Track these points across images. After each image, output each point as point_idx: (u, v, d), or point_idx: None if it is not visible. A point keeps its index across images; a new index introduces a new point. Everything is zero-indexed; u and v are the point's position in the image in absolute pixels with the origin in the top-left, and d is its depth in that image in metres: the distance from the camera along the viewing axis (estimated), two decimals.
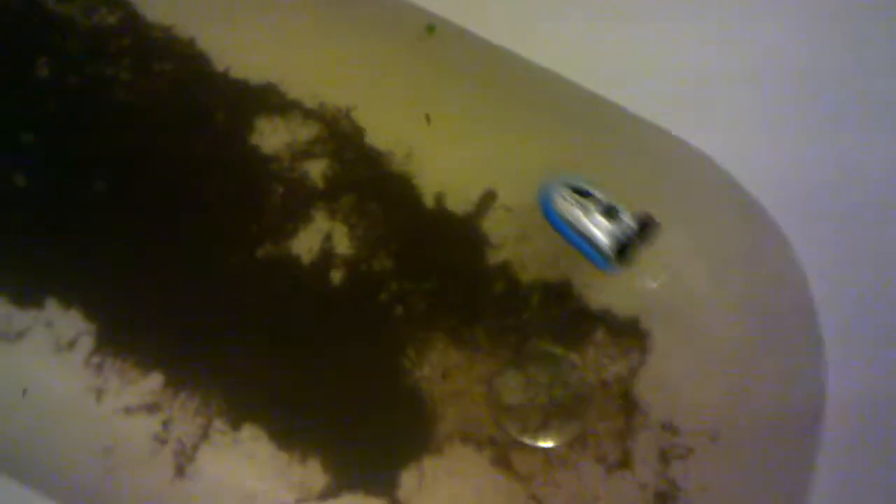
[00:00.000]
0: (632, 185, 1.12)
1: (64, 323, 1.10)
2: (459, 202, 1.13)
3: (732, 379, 1.10)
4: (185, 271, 1.12)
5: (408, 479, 1.08)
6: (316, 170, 1.13)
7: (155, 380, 1.09)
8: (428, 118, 1.14)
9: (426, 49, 1.15)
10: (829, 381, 1.06)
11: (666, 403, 1.10)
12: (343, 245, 1.12)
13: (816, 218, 1.09)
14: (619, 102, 1.11)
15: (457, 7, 1.13)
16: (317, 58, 1.16)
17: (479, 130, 1.15)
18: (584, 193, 1.07)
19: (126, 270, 1.11)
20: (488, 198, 1.13)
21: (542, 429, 1.09)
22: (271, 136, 1.14)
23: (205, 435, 1.08)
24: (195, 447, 1.08)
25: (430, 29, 1.15)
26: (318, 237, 1.12)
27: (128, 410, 1.08)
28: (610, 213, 1.06)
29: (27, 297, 1.10)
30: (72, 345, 1.09)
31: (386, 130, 1.14)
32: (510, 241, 1.12)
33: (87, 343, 1.10)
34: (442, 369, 1.10)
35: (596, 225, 1.06)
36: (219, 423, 1.08)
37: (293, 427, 1.09)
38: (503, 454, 1.09)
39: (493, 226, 1.13)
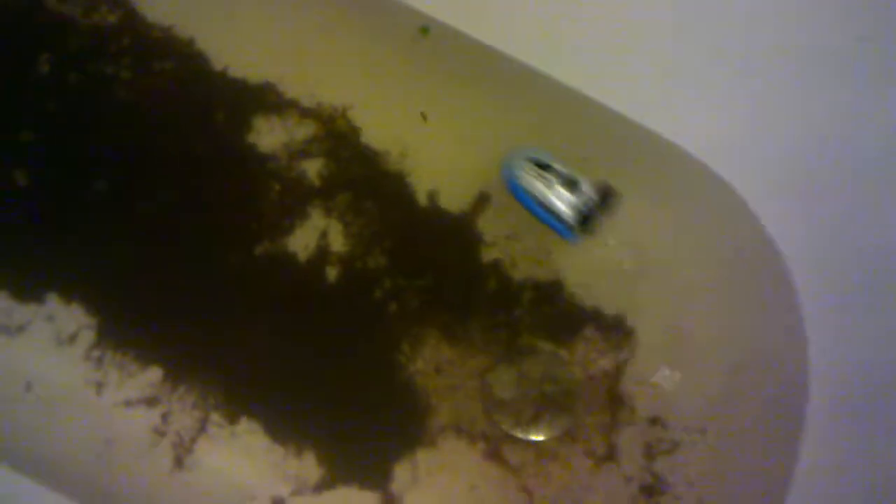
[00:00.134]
0: (629, 186, 1.13)
1: (65, 317, 1.11)
2: (453, 201, 1.14)
3: (717, 375, 1.11)
4: (184, 267, 1.13)
5: (401, 472, 1.09)
6: (312, 168, 1.14)
7: (154, 373, 1.10)
8: (424, 116, 1.15)
9: (420, 50, 1.16)
10: (812, 375, 1.08)
11: (652, 400, 1.11)
12: (339, 242, 1.13)
13: (799, 213, 1.11)
14: (605, 102, 1.13)
15: (450, 9, 1.14)
16: (314, 58, 1.17)
17: (472, 130, 1.15)
18: (544, 166, 1.09)
19: (126, 266, 1.12)
20: (481, 197, 1.14)
21: (532, 423, 1.10)
22: (269, 134, 1.15)
23: (203, 428, 1.09)
24: (193, 440, 1.09)
25: (424, 30, 1.16)
26: (315, 234, 1.13)
27: (127, 403, 1.09)
28: (571, 184, 1.08)
29: (28, 291, 1.11)
30: (72, 339, 1.10)
31: (381, 130, 1.15)
32: (502, 240, 1.13)
33: (87, 337, 1.10)
34: (435, 364, 1.11)
35: (558, 197, 1.08)
36: (216, 417, 1.09)
37: (289, 420, 1.10)
38: (495, 447, 1.10)
39: (486, 224, 1.14)
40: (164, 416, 1.09)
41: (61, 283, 1.11)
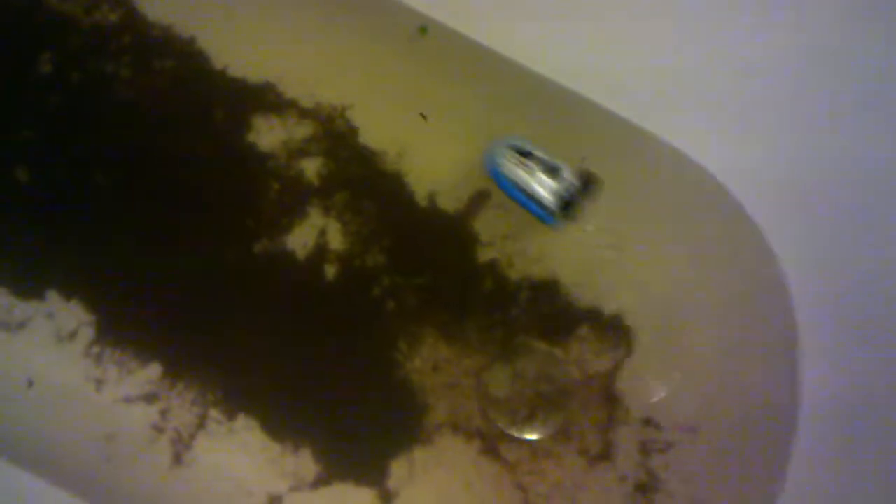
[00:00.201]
0: (624, 186, 1.14)
1: (64, 314, 1.11)
2: (451, 200, 1.14)
3: (711, 375, 1.12)
4: (183, 265, 1.13)
5: (398, 469, 1.10)
6: (311, 167, 1.15)
7: (153, 370, 1.11)
8: (424, 116, 1.16)
9: (419, 50, 1.17)
10: (804, 376, 1.08)
11: (647, 399, 1.12)
12: (337, 241, 1.13)
13: (795, 216, 1.11)
14: (607, 105, 1.13)
15: (448, 9, 1.14)
16: (313, 58, 1.17)
17: (469, 130, 1.16)
18: (526, 154, 1.10)
19: (126, 263, 1.13)
20: (479, 196, 1.15)
21: (528, 421, 1.11)
22: (268, 133, 1.15)
23: (201, 424, 1.10)
24: (192, 436, 1.10)
25: (423, 30, 1.16)
26: (313, 233, 1.13)
27: (127, 400, 1.10)
28: (552, 171, 1.09)
29: (29, 288, 1.12)
30: (72, 335, 1.11)
31: (379, 130, 1.16)
32: (499, 240, 1.14)
33: (87, 334, 1.11)
34: (432, 363, 1.12)
35: (540, 184, 1.09)
36: (215, 413, 1.10)
37: (286, 418, 1.10)
38: (491, 445, 1.10)
39: (484, 224, 1.14)
40: (163, 413, 1.10)
41: (61, 281, 1.12)
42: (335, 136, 1.16)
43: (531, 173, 1.09)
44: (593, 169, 1.11)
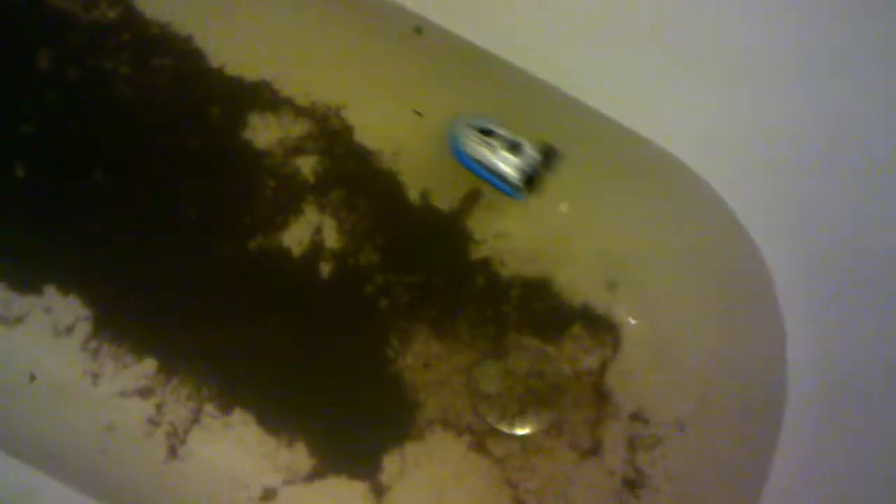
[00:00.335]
0: (618, 194, 1.17)
1: (62, 309, 1.12)
2: (444, 199, 1.15)
3: (699, 374, 1.13)
4: (179, 261, 1.14)
5: (390, 463, 1.11)
6: (307, 165, 1.16)
7: (149, 365, 1.11)
8: (419, 113, 1.16)
9: (414, 50, 1.18)
10: (791, 372, 1.10)
11: (635, 395, 1.13)
12: (332, 238, 1.14)
13: (779, 210, 1.12)
14: (590, 103, 1.15)
15: (442, 10, 1.16)
16: (309, 57, 1.18)
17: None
18: (487, 132, 1.11)
19: (122, 259, 1.14)
20: (471, 195, 1.16)
21: (518, 417, 1.12)
22: (264, 131, 1.16)
23: (196, 419, 1.11)
24: (187, 430, 1.10)
25: (418, 30, 1.17)
26: (308, 230, 1.14)
27: (123, 394, 1.11)
28: (514, 147, 1.10)
29: (26, 283, 1.12)
30: (69, 330, 1.12)
31: (374, 129, 1.17)
32: (491, 238, 1.15)
33: (84, 328, 1.12)
34: (424, 359, 1.13)
35: (503, 161, 1.10)
36: (210, 408, 1.11)
37: (281, 412, 1.11)
38: (481, 440, 1.11)
39: (476, 223, 1.15)
40: (159, 407, 1.11)
41: (58, 276, 1.13)
42: (330, 134, 1.17)
43: (494, 151, 1.10)
44: (551, 142, 1.13)
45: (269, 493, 1.10)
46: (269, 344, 1.13)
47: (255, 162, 1.15)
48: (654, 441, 1.12)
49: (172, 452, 1.10)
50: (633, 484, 1.12)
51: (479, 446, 1.11)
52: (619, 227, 1.17)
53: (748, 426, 1.11)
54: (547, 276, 1.15)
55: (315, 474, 1.11)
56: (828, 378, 1.08)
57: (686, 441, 1.12)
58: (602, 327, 1.14)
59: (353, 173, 1.16)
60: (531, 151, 1.11)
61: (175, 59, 1.18)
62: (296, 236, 1.14)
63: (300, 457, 1.11)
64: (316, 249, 1.14)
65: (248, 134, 1.16)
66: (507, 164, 1.10)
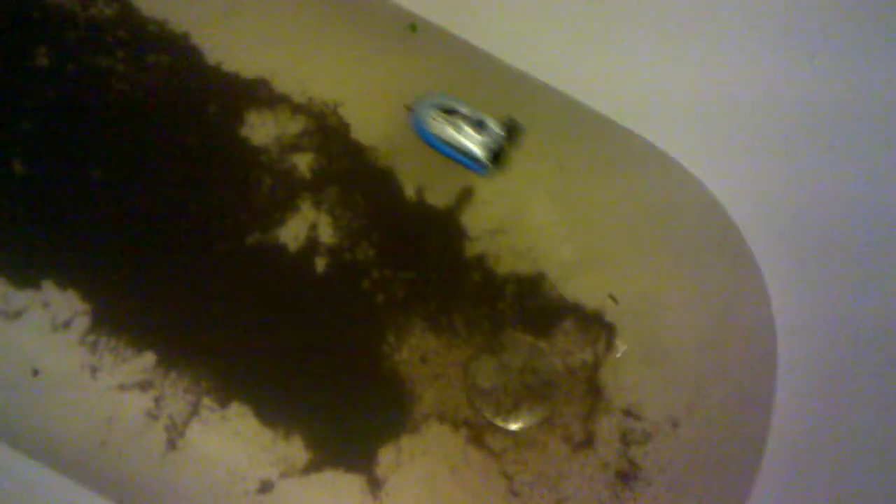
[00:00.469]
0: (616, 197, 1.17)
1: (60, 303, 1.13)
2: (439, 196, 1.16)
3: (691, 371, 1.14)
4: (177, 256, 1.15)
5: (386, 456, 1.12)
6: (303, 162, 1.16)
7: (147, 359, 1.12)
8: (409, 108, 1.17)
9: (409, 48, 1.18)
10: (781, 370, 1.11)
11: (628, 391, 1.14)
12: (328, 234, 1.15)
13: (773, 215, 1.13)
14: (589, 103, 1.16)
15: (437, 8, 1.16)
16: (306, 54, 1.19)
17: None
18: (451, 111, 1.13)
19: (120, 254, 1.14)
20: (466, 193, 1.17)
21: (513, 411, 1.13)
22: (261, 128, 1.17)
23: (194, 411, 1.12)
24: (185, 423, 1.11)
25: (413, 28, 1.18)
26: (305, 226, 1.15)
27: (122, 387, 1.12)
28: (478, 124, 1.12)
29: (25, 277, 1.13)
30: (68, 324, 1.12)
31: (370, 126, 1.17)
32: (486, 235, 1.16)
33: (82, 323, 1.12)
34: (420, 354, 1.13)
35: (468, 138, 1.12)
36: (207, 401, 1.12)
37: (278, 405, 1.12)
38: (477, 434, 1.13)
39: (471, 219, 1.16)
40: (157, 400, 1.12)
41: (57, 270, 1.13)
42: (327, 131, 1.17)
43: (458, 129, 1.12)
44: (515, 117, 1.14)
45: (266, 486, 1.11)
46: (267, 338, 1.14)
47: (252, 159, 1.16)
48: (647, 435, 1.13)
49: (171, 445, 1.11)
50: (626, 476, 1.13)
51: (475, 440, 1.13)
52: (602, 219, 1.18)
53: (739, 421, 1.13)
54: (541, 273, 1.16)
55: (311, 467, 1.12)
56: (818, 374, 1.10)
57: (678, 435, 1.13)
58: (594, 323, 1.15)
59: (348, 170, 1.16)
60: (495, 128, 1.12)
61: (172, 56, 1.18)
62: (292, 232, 1.15)
63: (297, 450, 1.12)
64: (312, 245, 1.15)
65: (245, 131, 1.16)
66: (472, 142, 1.12)
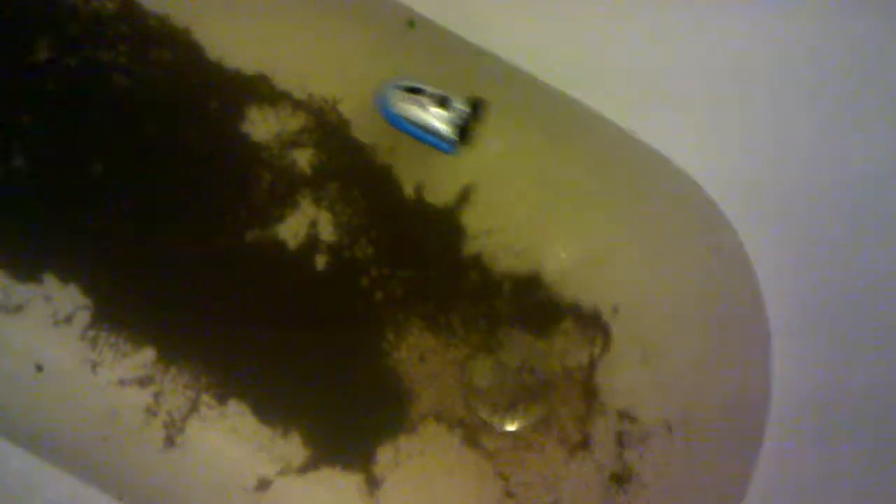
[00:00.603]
0: (613, 198, 1.17)
1: (61, 297, 1.13)
2: (438, 194, 1.16)
3: (686, 374, 1.14)
4: (177, 252, 1.15)
5: (383, 455, 1.12)
6: (303, 159, 1.16)
7: (147, 354, 1.12)
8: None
9: (408, 44, 1.18)
10: (776, 375, 1.10)
11: (624, 394, 1.14)
12: (328, 232, 1.15)
13: (770, 217, 1.12)
14: (591, 105, 1.15)
15: (434, 4, 1.16)
16: (306, 51, 1.18)
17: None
18: (415, 90, 1.12)
19: (121, 249, 1.14)
20: (465, 191, 1.16)
21: (509, 411, 1.13)
22: (261, 124, 1.16)
23: (193, 408, 1.12)
24: (184, 419, 1.12)
25: (411, 24, 1.17)
26: (304, 223, 1.15)
27: (121, 383, 1.12)
28: (443, 102, 1.12)
29: (26, 271, 1.13)
30: (69, 319, 1.12)
31: (370, 123, 1.17)
32: (484, 234, 1.16)
33: (83, 317, 1.13)
34: (419, 353, 1.13)
35: (434, 116, 1.12)
36: (206, 398, 1.12)
37: (277, 403, 1.12)
38: (473, 434, 1.13)
39: (469, 218, 1.16)
40: (157, 396, 1.12)
41: (58, 264, 1.14)
42: (327, 128, 1.17)
43: (424, 108, 1.12)
44: (478, 93, 1.14)
45: (263, 483, 1.12)
46: (266, 335, 1.14)
47: (253, 155, 1.16)
48: (643, 439, 1.13)
49: (170, 441, 1.12)
50: (621, 479, 1.13)
51: (472, 440, 1.13)
52: (599, 219, 1.18)
53: (735, 425, 1.12)
54: (539, 273, 1.16)
55: (309, 465, 1.12)
56: (814, 380, 1.09)
57: (674, 438, 1.13)
58: (591, 324, 1.15)
59: (349, 167, 1.16)
60: (459, 105, 1.12)
61: (173, 51, 1.18)
62: (292, 229, 1.15)
63: (295, 447, 1.12)
64: (312, 242, 1.15)
65: (245, 127, 1.16)
66: (437, 119, 1.12)
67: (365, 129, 1.17)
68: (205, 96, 1.17)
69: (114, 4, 1.19)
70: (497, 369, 1.14)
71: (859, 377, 1.06)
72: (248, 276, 1.15)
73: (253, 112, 1.17)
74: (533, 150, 1.18)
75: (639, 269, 1.17)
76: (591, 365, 1.15)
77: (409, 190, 1.16)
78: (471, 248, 1.16)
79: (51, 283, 1.13)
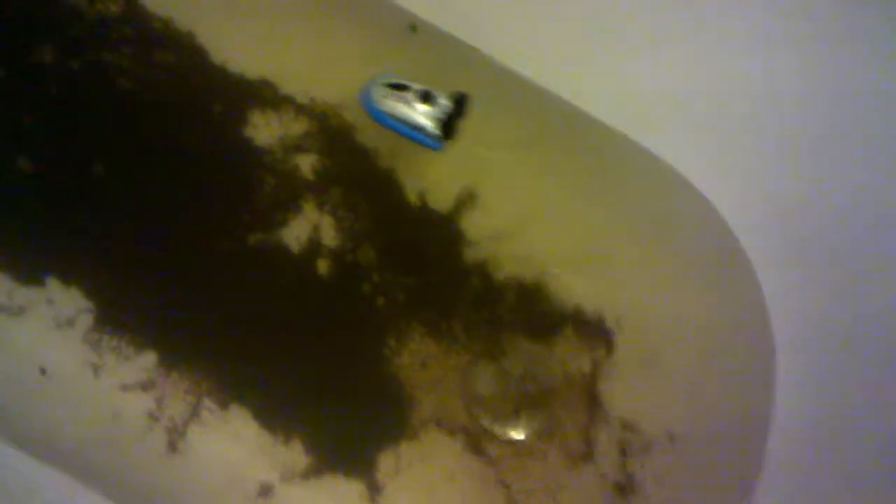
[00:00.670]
0: (617, 207, 1.17)
1: (64, 301, 1.12)
2: (440, 200, 1.16)
3: (690, 385, 1.14)
4: (180, 256, 1.15)
5: (385, 462, 1.12)
6: (306, 163, 1.16)
7: (149, 358, 1.12)
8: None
9: (410, 48, 1.18)
10: (778, 389, 1.10)
11: (626, 403, 1.13)
12: (330, 236, 1.15)
13: (776, 234, 1.13)
14: (595, 114, 1.16)
15: (436, 9, 1.16)
16: (309, 56, 1.19)
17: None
18: (400, 87, 1.13)
19: (124, 252, 1.14)
20: (467, 197, 1.16)
21: (511, 419, 1.13)
22: (265, 128, 1.17)
23: (195, 413, 1.11)
24: (186, 425, 1.11)
25: (413, 28, 1.18)
26: (307, 228, 1.15)
27: (124, 387, 1.11)
28: (427, 98, 1.13)
29: (29, 274, 1.13)
30: (71, 322, 1.12)
31: (372, 128, 1.17)
32: (486, 240, 1.16)
33: (85, 320, 1.12)
34: (420, 359, 1.13)
35: (418, 112, 1.12)
36: (208, 403, 1.12)
37: (278, 409, 1.12)
38: (475, 441, 1.12)
39: (471, 224, 1.16)
40: (159, 401, 1.12)
41: (61, 267, 1.13)
42: (330, 133, 1.17)
43: (408, 104, 1.12)
44: (462, 89, 1.14)
45: (266, 489, 1.11)
46: (268, 340, 1.13)
47: (256, 159, 1.16)
48: (645, 448, 1.13)
49: (172, 447, 1.11)
50: (623, 489, 1.12)
51: (473, 447, 1.12)
52: (602, 228, 1.18)
53: (737, 435, 1.12)
54: (541, 279, 1.15)
55: (311, 471, 1.11)
56: (815, 395, 1.09)
57: (676, 448, 1.12)
58: (595, 332, 1.15)
59: (351, 172, 1.16)
60: (443, 100, 1.12)
61: (177, 55, 1.18)
62: (294, 234, 1.15)
63: (297, 454, 1.12)
64: (314, 247, 1.15)
65: (249, 131, 1.16)
66: (422, 115, 1.12)
67: (367, 134, 1.17)
68: (208, 100, 1.17)
69: (118, 6, 1.19)
70: (499, 376, 1.14)
71: (863, 388, 1.06)
72: (250, 280, 1.15)
73: (256, 116, 1.17)
74: (534, 155, 1.18)
75: (643, 278, 1.17)
76: (594, 372, 1.14)
77: (411, 194, 1.16)
78: (473, 253, 1.16)
79: (53, 285, 1.13)
